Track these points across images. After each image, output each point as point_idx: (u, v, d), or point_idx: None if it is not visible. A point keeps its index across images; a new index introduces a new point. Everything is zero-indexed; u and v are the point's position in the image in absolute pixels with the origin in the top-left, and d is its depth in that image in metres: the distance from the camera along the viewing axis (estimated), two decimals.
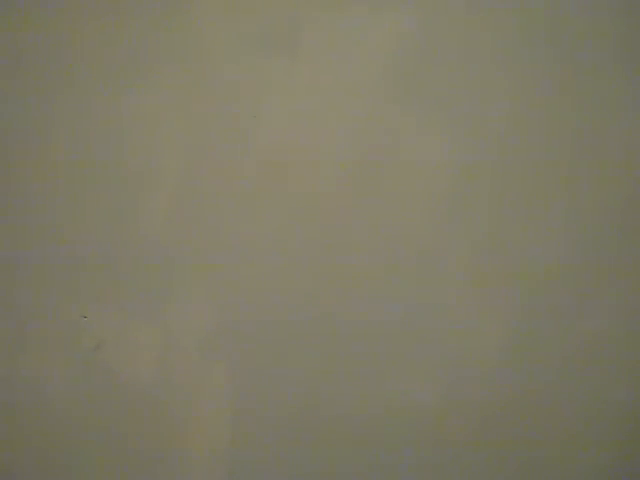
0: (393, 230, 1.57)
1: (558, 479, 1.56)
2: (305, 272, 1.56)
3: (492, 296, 1.56)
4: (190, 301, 1.57)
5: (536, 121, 1.56)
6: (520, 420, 1.56)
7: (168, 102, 1.58)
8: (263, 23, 1.57)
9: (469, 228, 1.56)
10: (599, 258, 1.55)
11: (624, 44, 1.56)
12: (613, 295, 1.55)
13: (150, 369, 1.57)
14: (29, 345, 1.57)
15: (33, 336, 1.57)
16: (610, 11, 1.56)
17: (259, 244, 1.57)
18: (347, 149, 1.57)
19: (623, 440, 1.55)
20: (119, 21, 1.58)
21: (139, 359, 1.57)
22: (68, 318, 1.57)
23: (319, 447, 1.56)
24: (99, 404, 1.57)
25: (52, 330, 1.57)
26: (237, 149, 1.57)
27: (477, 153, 1.56)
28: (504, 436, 1.56)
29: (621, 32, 1.56)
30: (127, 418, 1.57)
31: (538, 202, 1.56)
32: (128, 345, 1.57)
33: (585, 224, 1.56)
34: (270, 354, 1.56)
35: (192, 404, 1.57)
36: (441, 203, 1.56)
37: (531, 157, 1.56)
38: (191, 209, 1.57)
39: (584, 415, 1.55)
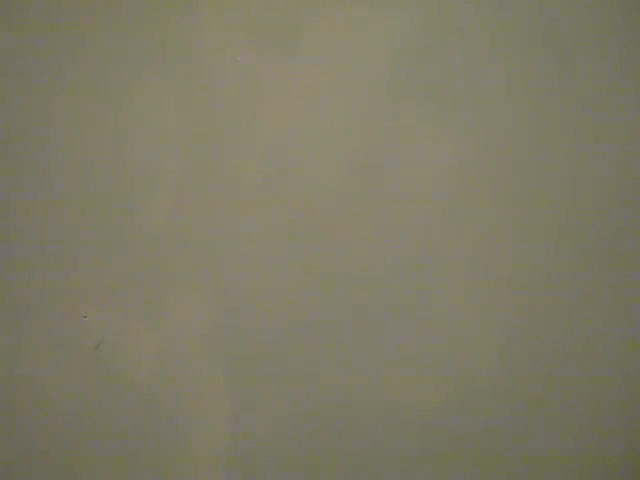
0: (394, 231, 1.56)
1: (559, 479, 1.56)
2: (305, 273, 1.56)
3: (493, 296, 1.56)
4: (190, 301, 1.57)
5: (537, 121, 1.56)
6: (521, 420, 1.56)
7: (167, 102, 1.58)
8: (263, 23, 1.57)
9: (470, 228, 1.56)
10: (599, 259, 1.55)
11: (624, 44, 1.56)
12: (613, 295, 1.55)
13: (150, 369, 1.57)
14: (29, 345, 1.58)
15: (33, 336, 1.58)
16: (610, 10, 1.56)
17: (259, 244, 1.57)
18: (347, 149, 1.57)
19: (623, 440, 1.55)
20: (119, 21, 1.58)
21: (139, 359, 1.57)
22: (68, 318, 1.57)
23: (319, 447, 1.56)
24: (99, 404, 1.57)
25: (52, 330, 1.57)
26: (237, 149, 1.57)
27: (478, 153, 1.56)
28: (505, 436, 1.56)
29: (621, 31, 1.56)
30: (127, 418, 1.57)
31: (539, 202, 1.56)
32: (128, 345, 1.57)
33: (585, 225, 1.56)
34: (269, 354, 1.56)
35: (192, 404, 1.57)
36: (441, 203, 1.56)
37: (531, 157, 1.56)
38: (191, 209, 1.57)
39: (584, 415, 1.55)
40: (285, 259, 1.57)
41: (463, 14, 1.56)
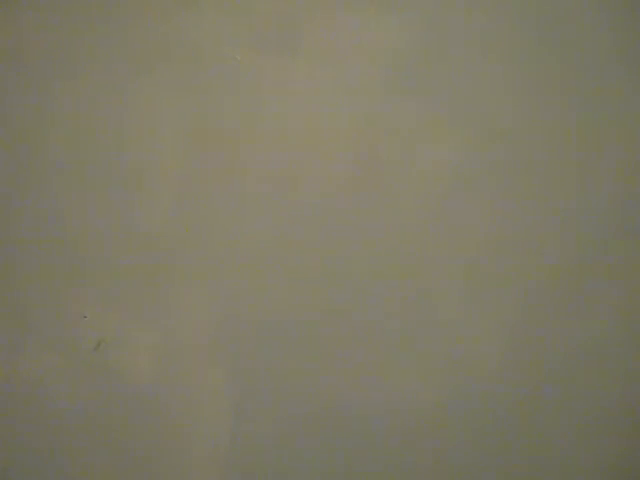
0: (394, 231, 1.56)
1: (559, 479, 1.56)
2: (305, 273, 1.56)
3: (493, 298, 1.56)
4: (190, 301, 1.57)
5: (537, 122, 1.56)
6: (521, 422, 1.56)
7: (168, 101, 1.58)
8: (263, 23, 1.57)
9: (471, 228, 1.56)
10: (599, 260, 1.55)
11: (625, 43, 1.56)
12: (613, 297, 1.54)
13: (150, 369, 1.57)
14: (29, 345, 1.58)
15: (33, 336, 1.58)
16: (610, 10, 1.56)
17: (259, 244, 1.57)
18: (347, 149, 1.57)
19: (623, 440, 1.55)
20: (120, 20, 1.58)
21: (139, 359, 1.57)
22: (68, 318, 1.57)
23: (319, 448, 1.56)
24: (99, 404, 1.57)
25: (52, 330, 1.57)
26: (237, 148, 1.57)
27: (477, 154, 1.56)
28: (505, 438, 1.56)
29: (622, 31, 1.56)
30: (127, 418, 1.57)
31: (539, 203, 1.56)
32: (128, 345, 1.57)
33: (585, 225, 1.55)
34: (270, 354, 1.56)
35: (192, 404, 1.57)
36: (442, 203, 1.56)
37: (531, 158, 1.56)
38: (191, 209, 1.57)
39: (584, 417, 1.55)
40: (285, 259, 1.57)
41: (463, 15, 1.56)
